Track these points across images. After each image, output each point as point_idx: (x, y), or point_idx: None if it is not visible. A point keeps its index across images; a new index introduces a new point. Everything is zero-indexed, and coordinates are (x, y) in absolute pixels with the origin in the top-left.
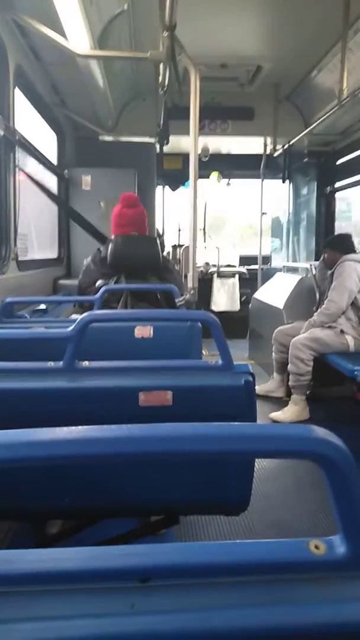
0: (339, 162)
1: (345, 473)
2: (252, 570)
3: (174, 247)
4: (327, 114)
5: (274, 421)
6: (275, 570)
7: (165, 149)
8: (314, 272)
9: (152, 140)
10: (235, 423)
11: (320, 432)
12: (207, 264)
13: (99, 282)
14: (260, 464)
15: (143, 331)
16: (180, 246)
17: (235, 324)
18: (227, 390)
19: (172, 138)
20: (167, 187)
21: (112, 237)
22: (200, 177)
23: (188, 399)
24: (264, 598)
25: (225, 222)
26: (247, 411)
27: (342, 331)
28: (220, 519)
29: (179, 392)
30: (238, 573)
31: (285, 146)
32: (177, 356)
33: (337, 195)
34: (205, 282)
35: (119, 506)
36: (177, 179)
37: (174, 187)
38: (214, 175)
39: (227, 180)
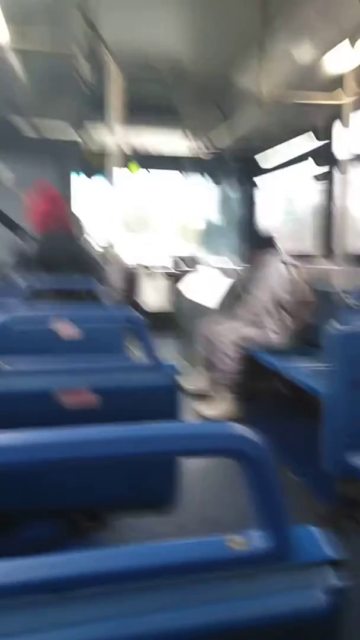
0: (262, 163)
1: (262, 468)
2: (175, 571)
3: (102, 244)
4: (249, 117)
5: (203, 418)
6: (197, 569)
7: (88, 143)
8: (239, 272)
9: (74, 133)
10: (153, 424)
11: (236, 428)
12: (138, 262)
13: (22, 281)
14: (189, 460)
15: (68, 331)
16: (108, 244)
17: (166, 323)
18: (154, 390)
19: (94, 132)
20: (91, 180)
21: (37, 235)
22: (123, 171)
23: (114, 399)
24: (188, 598)
25: (157, 221)
26: (174, 409)
27: (267, 328)
28: (150, 520)
29: (105, 393)
30: (160, 575)
31: (209, 147)
32: (104, 356)
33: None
34: (135, 280)
35: (38, 508)
36: (98, 172)
37: (94, 176)
38: (133, 167)
39: (146, 170)
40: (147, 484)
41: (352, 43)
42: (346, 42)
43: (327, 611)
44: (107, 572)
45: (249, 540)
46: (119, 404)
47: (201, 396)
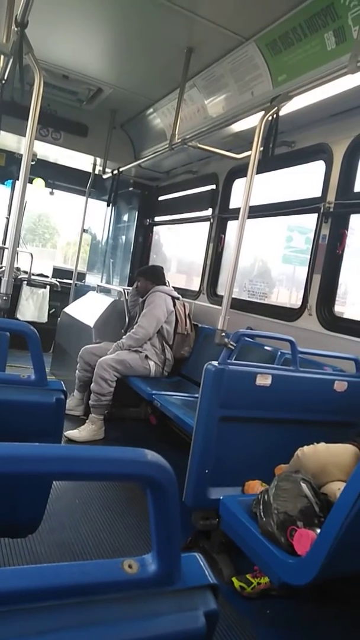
0: (160, 198)
1: (168, 495)
2: (67, 593)
3: None
4: (157, 153)
5: (69, 439)
6: (90, 592)
7: None
8: (126, 296)
9: None
10: (70, 446)
11: (148, 455)
12: (17, 269)
13: None
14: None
15: None
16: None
17: (40, 337)
18: (37, 407)
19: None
20: None
21: None
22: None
23: None
24: (77, 620)
25: (55, 234)
26: (55, 429)
27: (146, 356)
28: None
29: None
30: (52, 597)
31: (114, 171)
32: None
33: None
34: (12, 288)
35: None
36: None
37: None
38: (38, 181)
39: (49, 189)
40: (12, 507)
41: (259, 111)
42: (256, 110)
43: (204, 632)
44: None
45: (142, 563)
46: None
47: (68, 416)
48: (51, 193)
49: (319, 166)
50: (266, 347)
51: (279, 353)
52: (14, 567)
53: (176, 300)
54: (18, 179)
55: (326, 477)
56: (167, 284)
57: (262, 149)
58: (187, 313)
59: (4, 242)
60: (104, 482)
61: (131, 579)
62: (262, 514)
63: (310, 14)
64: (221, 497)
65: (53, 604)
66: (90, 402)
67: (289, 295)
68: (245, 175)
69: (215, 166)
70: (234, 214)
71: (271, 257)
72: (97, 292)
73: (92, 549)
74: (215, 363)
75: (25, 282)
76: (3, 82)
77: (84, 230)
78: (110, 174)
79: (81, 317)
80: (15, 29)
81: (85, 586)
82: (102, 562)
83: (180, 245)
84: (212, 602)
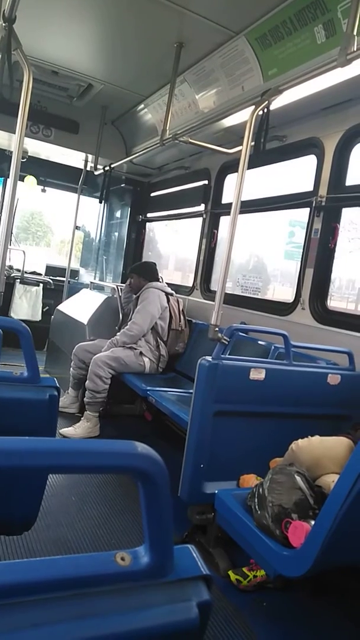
0: (152, 194)
1: (159, 487)
2: (60, 586)
3: None
4: (148, 149)
5: (64, 437)
6: (83, 585)
7: None
8: (119, 293)
9: None
10: (60, 439)
11: (139, 447)
12: (10, 267)
13: None
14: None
15: None
16: None
17: (34, 335)
18: (30, 404)
19: None
20: None
21: None
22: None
23: None
24: (71, 613)
25: (48, 232)
26: (49, 426)
27: (141, 353)
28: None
29: None
30: (45, 590)
31: (106, 168)
32: None
33: None
34: (5, 286)
35: None
36: None
37: None
38: (30, 179)
39: (41, 187)
40: (6, 505)
41: (250, 106)
42: (246, 105)
43: (197, 622)
44: None
45: (134, 556)
46: None
47: (63, 414)
48: (43, 190)
49: (310, 160)
50: (260, 342)
51: (273, 347)
52: (7, 561)
53: (170, 296)
54: (9, 177)
55: (320, 469)
56: (161, 280)
57: (253, 143)
58: (181, 309)
59: None
60: (100, 478)
61: (124, 572)
62: (257, 507)
63: (300, 7)
64: (216, 492)
65: (47, 597)
66: (85, 399)
67: (287, 291)
68: (237, 170)
69: (207, 161)
70: (227, 209)
71: (267, 252)
72: (90, 289)
73: (88, 545)
74: (209, 358)
75: (18, 280)
76: None
77: (76, 228)
78: (102, 171)
79: (75, 315)
80: (3, 24)
81: (78, 579)
82: (95, 555)
83: (173, 242)
84: (205, 593)
